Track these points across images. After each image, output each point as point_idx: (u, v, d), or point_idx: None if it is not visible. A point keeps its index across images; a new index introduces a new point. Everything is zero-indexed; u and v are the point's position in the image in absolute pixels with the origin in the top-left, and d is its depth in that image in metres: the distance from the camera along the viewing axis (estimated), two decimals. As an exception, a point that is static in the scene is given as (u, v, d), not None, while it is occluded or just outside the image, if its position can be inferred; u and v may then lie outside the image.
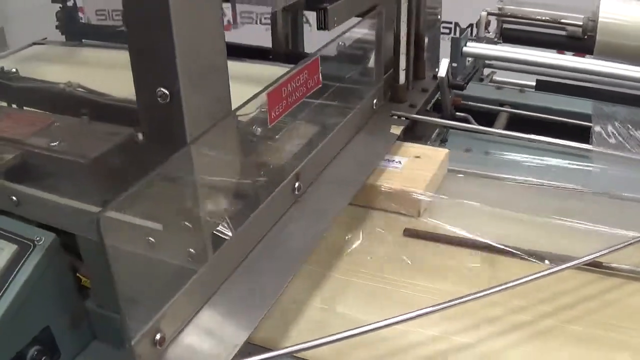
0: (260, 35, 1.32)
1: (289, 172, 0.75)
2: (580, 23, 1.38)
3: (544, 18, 1.46)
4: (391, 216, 0.89)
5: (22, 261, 0.77)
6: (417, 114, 1.03)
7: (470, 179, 0.98)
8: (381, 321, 0.63)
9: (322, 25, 0.84)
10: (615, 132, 1.10)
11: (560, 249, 0.79)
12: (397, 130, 0.96)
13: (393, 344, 0.67)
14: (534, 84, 1.46)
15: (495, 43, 1.47)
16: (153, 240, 0.56)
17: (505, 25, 1.52)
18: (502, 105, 1.32)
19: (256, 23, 2.48)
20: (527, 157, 1.05)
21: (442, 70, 1.10)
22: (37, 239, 0.78)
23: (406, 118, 0.99)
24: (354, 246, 0.83)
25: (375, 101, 0.98)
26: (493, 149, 1.09)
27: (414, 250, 0.82)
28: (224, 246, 0.65)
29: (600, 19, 1.30)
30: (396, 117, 0.99)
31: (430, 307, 0.65)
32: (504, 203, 0.89)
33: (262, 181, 0.71)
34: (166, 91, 0.59)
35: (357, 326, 0.62)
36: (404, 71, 1.02)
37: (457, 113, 1.20)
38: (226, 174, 0.67)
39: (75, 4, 1.55)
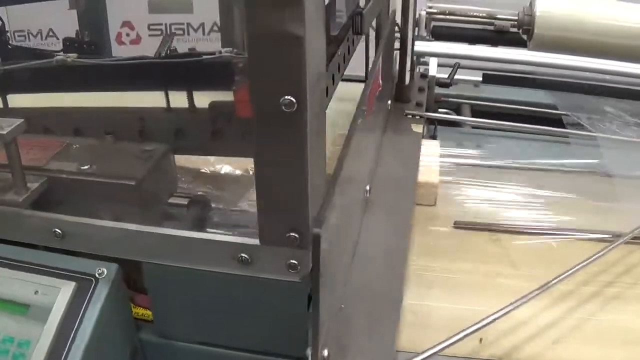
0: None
1: (365, 175, 0.76)
2: (516, 18, 1.49)
3: (480, 14, 1.56)
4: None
5: (87, 298, 0.70)
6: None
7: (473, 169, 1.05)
8: (499, 311, 0.66)
9: (359, 30, 0.85)
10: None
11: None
12: (418, 128, 0.99)
13: (490, 329, 0.70)
14: (479, 78, 1.57)
15: (428, 41, 1.55)
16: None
17: (435, 24, 1.61)
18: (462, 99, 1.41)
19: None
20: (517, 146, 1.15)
21: (432, 69, 1.15)
22: (99, 271, 0.71)
23: (420, 116, 1.03)
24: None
25: (389, 102, 1.01)
26: (483, 141, 1.16)
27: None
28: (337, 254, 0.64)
29: (537, 13, 1.41)
30: (410, 117, 1.03)
31: (534, 291, 0.70)
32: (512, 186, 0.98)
33: (354, 184, 0.71)
34: (293, 99, 0.57)
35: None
36: (410, 72, 1.05)
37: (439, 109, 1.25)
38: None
39: (3, 24, 1.42)
